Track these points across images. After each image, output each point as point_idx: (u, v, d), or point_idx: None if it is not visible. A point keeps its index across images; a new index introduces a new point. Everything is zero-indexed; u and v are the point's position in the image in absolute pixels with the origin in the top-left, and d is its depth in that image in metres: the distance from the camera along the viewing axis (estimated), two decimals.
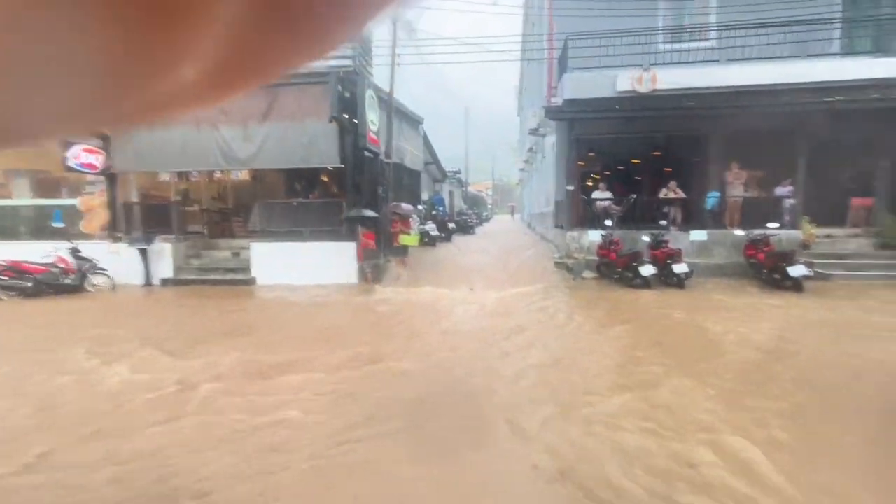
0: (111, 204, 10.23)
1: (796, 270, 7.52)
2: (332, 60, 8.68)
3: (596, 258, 9.22)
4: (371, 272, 9.06)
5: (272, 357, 4.82)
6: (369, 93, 9.71)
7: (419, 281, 9.14)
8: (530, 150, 20.49)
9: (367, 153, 9.76)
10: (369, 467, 2.86)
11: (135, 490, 2.66)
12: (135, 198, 10.60)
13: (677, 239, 9.08)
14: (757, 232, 8.71)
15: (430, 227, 14.44)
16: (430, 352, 5.09)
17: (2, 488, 2.72)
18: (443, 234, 15.44)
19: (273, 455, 2.98)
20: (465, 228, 19.72)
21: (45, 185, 11.49)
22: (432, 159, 20.29)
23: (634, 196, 11.01)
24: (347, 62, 9.00)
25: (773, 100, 9.15)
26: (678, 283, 8.03)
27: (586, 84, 9.88)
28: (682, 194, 10.35)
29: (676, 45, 10.68)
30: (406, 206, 11.52)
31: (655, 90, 9.54)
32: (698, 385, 3.96)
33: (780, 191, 9.68)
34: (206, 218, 11.72)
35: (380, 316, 6.87)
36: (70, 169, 9.62)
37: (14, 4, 0.20)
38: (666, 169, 11.54)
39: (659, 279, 8.22)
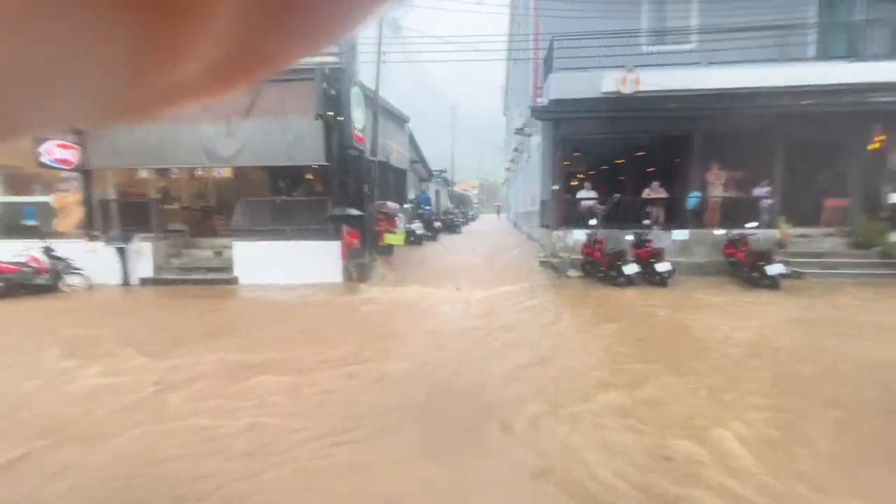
0: (87, 201, 9.93)
1: (774, 269, 7.71)
2: (318, 57, 8.57)
3: (581, 257, 9.31)
4: (356, 271, 8.99)
5: (251, 358, 4.73)
6: (355, 90, 9.62)
7: (405, 280, 9.10)
8: (516, 149, 20.60)
9: (352, 151, 9.67)
10: (352, 469, 2.83)
11: (100, 501, 2.58)
12: (112, 195, 10.31)
13: (660, 238, 9.24)
14: (736, 231, 8.92)
15: (417, 226, 14.41)
16: (415, 352, 5.06)
17: None
18: (429, 234, 15.41)
19: (250, 460, 2.91)
20: (452, 228, 19.72)
21: (16, 182, 11.09)
22: (418, 158, 20.23)
23: (618, 196, 11.16)
24: (333, 59, 8.90)
25: (751, 102, 9.37)
26: (661, 281, 8.16)
27: (571, 84, 9.97)
28: (664, 194, 10.52)
29: (659, 48, 10.87)
30: (392, 205, 11.45)
31: (639, 91, 9.67)
32: (682, 381, 4.03)
33: (759, 191, 9.91)
34: (188, 216, 11.48)
35: (364, 315, 6.82)
36: (43, 165, 9.30)
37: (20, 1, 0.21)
38: (649, 169, 11.73)
39: (642, 277, 8.35)
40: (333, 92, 8.92)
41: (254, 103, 8.86)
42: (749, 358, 4.62)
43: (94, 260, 9.12)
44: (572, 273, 9.31)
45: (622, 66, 9.78)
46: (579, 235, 9.69)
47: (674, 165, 11.19)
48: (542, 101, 10.85)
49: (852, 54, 9.86)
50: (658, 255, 8.31)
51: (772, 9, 9.94)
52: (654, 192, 10.53)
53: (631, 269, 8.17)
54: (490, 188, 63.71)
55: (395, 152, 15.51)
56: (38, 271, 8.42)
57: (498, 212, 46.24)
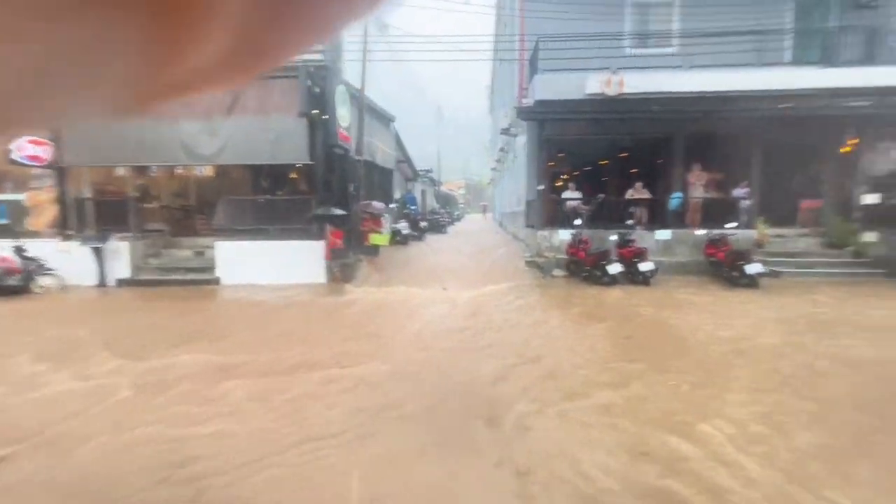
0: (61, 199, 9.61)
1: (753, 268, 7.90)
2: (302, 54, 8.44)
3: (566, 257, 9.40)
4: (340, 271, 8.89)
5: (228, 361, 4.63)
6: (340, 88, 9.53)
7: (391, 280, 9.05)
8: (502, 149, 20.69)
9: (337, 150, 9.57)
10: (331, 474, 2.79)
11: None
12: (87, 193, 10.00)
13: (643, 238, 9.38)
14: (716, 232, 9.11)
15: (403, 226, 14.35)
16: (399, 353, 5.01)
17: None
18: (415, 233, 15.37)
19: (224, 464, 2.84)
20: (438, 227, 19.70)
21: None
22: (404, 158, 20.15)
23: (602, 196, 11.30)
24: (318, 57, 8.79)
25: (730, 105, 9.58)
26: (644, 280, 8.28)
27: (556, 85, 10.04)
28: (647, 195, 10.69)
29: (642, 51, 11.05)
30: (377, 205, 11.38)
31: (622, 93, 9.80)
32: (667, 378, 4.10)
33: (738, 192, 10.15)
34: (167, 215, 11.20)
35: (347, 317, 6.72)
36: (14, 162, 8.97)
37: None
38: (632, 170, 11.91)
39: (626, 277, 8.46)
40: (318, 90, 8.81)
41: (236, 101, 8.70)
42: (731, 355, 4.72)
43: (69, 260, 8.83)
44: (557, 273, 9.39)
45: (606, 69, 9.90)
46: (564, 235, 9.78)
47: (656, 167, 11.38)
48: (528, 101, 10.92)
49: (826, 60, 10.18)
50: (641, 254, 8.44)
51: (750, 14, 10.19)
52: (638, 192, 10.70)
53: (615, 268, 8.27)
54: (476, 188, 63.89)
55: (381, 151, 15.41)
56: (8, 272, 8.11)
57: (484, 212, 46.36)
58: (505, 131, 15.52)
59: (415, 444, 3.09)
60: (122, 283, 9.06)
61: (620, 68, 9.96)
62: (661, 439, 3.08)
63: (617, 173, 12.91)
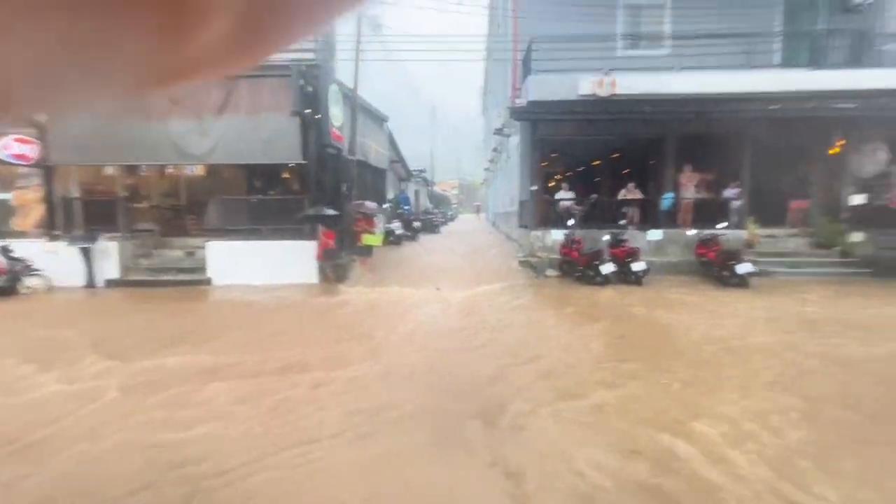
0: (48, 199, 9.46)
1: (743, 268, 7.99)
2: (294, 53, 8.41)
3: (559, 257, 9.43)
4: (332, 272, 8.83)
5: (218, 362, 4.59)
6: (333, 87, 9.48)
7: (384, 280, 9.02)
8: (495, 150, 20.72)
9: (330, 150, 9.52)
10: (330, 474, 2.77)
11: None
12: (75, 192, 9.86)
13: (635, 238, 9.44)
14: (707, 232, 9.20)
15: (396, 226, 14.33)
16: (392, 354, 4.99)
17: None
18: (409, 233, 15.36)
19: (214, 468, 2.79)
20: (431, 228, 19.70)
21: None
22: (397, 158, 20.12)
23: (595, 196, 11.37)
24: (310, 55, 8.74)
25: (721, 107, 9.69)
26: (636, 280, 8.34)
27: (549, 86, 10.08)
28: (639, 195, 10.77)
29: (634, 52, 11.12)
30: (370, 205, 11.34)
31: (615, 94, 9.86)
32: (661, 377, 4.13)
33: (728, 193, 10.25)
34: (157, 215, 11.07)
35: (340, 317, 6.67)
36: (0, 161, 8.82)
37: None
38: (624, 171, 12.00)
39: (618, 277, 8.51)
40: (311, 89, 8.76)
41: (227, 100, 8.62)
42: (723, 354, 4.76)
43: (56, 261, 8.69)
44: (550, 272, 9.42)
45: (599, 70, 9.95)
46: (557, 235, 9.81)
47: (648, 167, 11.47)
48: (521, 102, 10.94)
49: (814, 63, 10.33)
50: (634, 254, 8.50)
51: (740, 17, 10.31)
52: (630, 193, 10.77)
53: (608, 268, 8.32)
54: (469, 188, 63.91)
55: (374, 151, 15.37)
56: None
57: (477, 212, 46.42)
58: (498, 131, 15.54)
59: (409, 446, 3.08)
60: (111, 283, 8.94)
61: (613, 69, 10.02)
62: (653, 437, 3.10)
63: (609, 174, 13.00)
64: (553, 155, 12.49)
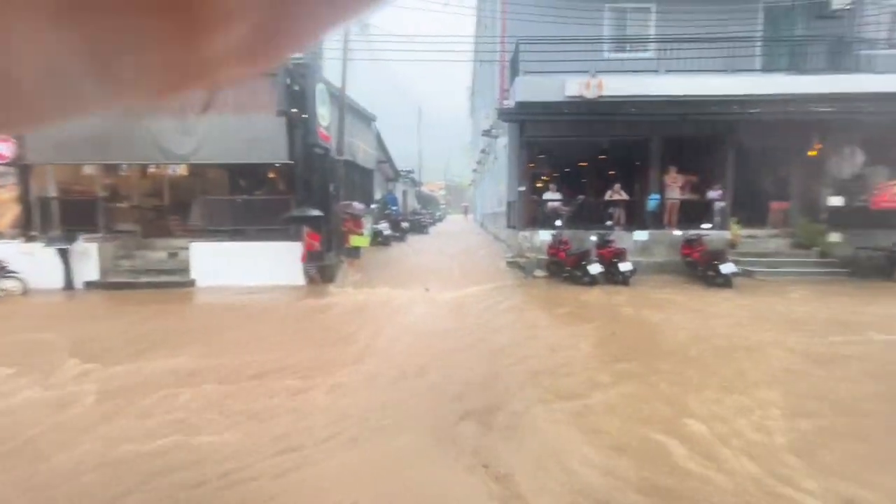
0: (24, 198, 9.17)
1: (727, 268, 8.13)
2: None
3: (547, 257, 9.48)
4: (317, 274, 8.71)
5: (198, 366, 4.48)
6: (320, 87, 9.38)
7: (373, 281, 8.95)
8: (483, 150, 20.78)
9: (317, 150, 9.42)
10: (308, 482, 2.73)
11: None
12: (53, 192, 9.57)
13: (621, 238, 9.55)
14: (692, 232, 9.36)
15: (384, 227, 14.26)
16: (378, 356, 4.92)
17: None
18: (397, 234, 15.30)
19: (196, 476, 2.72)
20: (420, 228, 19.66)
21: None
22: (385, 158, 20.03)
23: (582, 197, 11.48)
24: (297, 54, 8.62)
25: (704, 109, 9.87)
26: (623, 280, 8.43)
27: (537, 88, 10.14)
28: (625, 196, 10.91)
29: (620, 55, 11.26)
30: (358, 206, 11.25)
31: (601, 96, 9.96)
32: (653, 375, 4.17)
33: (712, 194, 10.44)
34: (139, 215, 10.81)
35: (325, 319, 6.57)
36: None
37: None
38: (610, 172, 12.14)
39: (605, 277, 8.59)
40: (297, 88, 8.65)
41: (212, 98, 8.43)
42: (710, 352, 4.84)
43: (32, 262, 8.42)
44: (539, 273, 9.47)
45: (586, 72, 10.05)
46: (545, 236, 9.87)
47: (634, 169, 11.61)
48: (509, 103, 10.99)
49: (794, 67, 10.59)
50: (620, 255, 8.59)
51: (722, 22, 10.51)
52: (616, 194, 10.90)
53: (595, 268, 8.39)
54: (456, 189, 63.98)
55: (362, 151, 15.27)
56: None
57: (465, 212, 46.50)
58: (486, 132, 15.59)
59: (399, 449, 3.05)
60: (90, 285, 8.69)
61: (599, 71, 10.13)
62: (646, 435, 3.14)
63: (596, 175, 13.13)
64: (541, 156, 12.56)
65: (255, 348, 5.07)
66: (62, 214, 9.32)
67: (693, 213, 10.23)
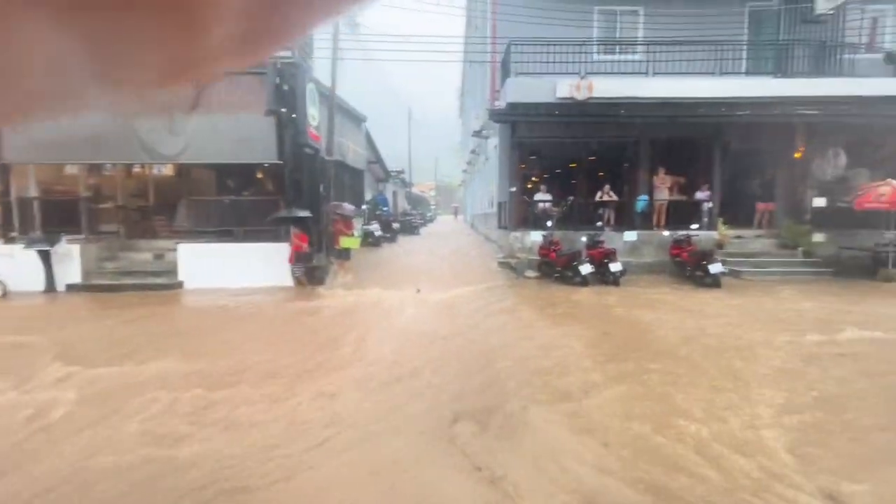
0: (3, 199, 8.92)
1: (716, 268, 8.23)
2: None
3: (538, 258, 9.51)
4: (304, 276, 8.60)
5: (182, 370, 4.38)
6: (310, 86, 9.28)
7: (363, 282, 8.88)
8: (473, 151, 20.79)
9: (307, 150, 9.32)
10: (301, 486, 2.68)
11: None
12: (34, 192, 9.32)
13: (611, 239, 9.62)
14: (681, 233, 9.46)
15: (375, 228, 14.18)
16: (367, 359, 4.85)
17: None
18: (387, 235, 15.22)
19: (176, 486, 2.63)
20: (410, 229, 19.61)
21: None
22: (375, 158, 19.94)
23: (572, 198, 11.54)
24: (286, 53, 8.52)
25: (692, 111, 9.99)
26: (614, 280, 8.48)
27: (528, 89, 10.17)
28: (615, 197, 10.99)
29: (610, 57, 11.34)
30: (348, 206, 11.15)
31: (591, 97, 10.03)
32: (648, 374, 4.19)
33: (700, 195, 10.57)
34: (123, 216, 10.58)
35: (314, 322, 6.46)
36: None
37: None
38: (600, 173, 12.22)
39: (596, 277, 8.63)
40: (287, 87, 8.54)
41: (198, 98, 8.30)
42: (702, 351, 4.88)
43: (12, 264, 8.19)
44: (530, 273, 9.49)
45: (576, 73, 10.10)
46: (536, 237, 9.90)
47: (623, 170, 11.71)
48: (500, 104, 11.00)
49: (779, 71, 10.77)
50: (611, 255, 8.64)
51: (709, 26, 10.65)
52: (606, 195, 10.98)
53: (586, 269, 8.43)
54: (447, 189, 63.98)
55: (352, 151, 15.17)
56: None
57: (455, 213, 46.51)
58: (477, 133, 15.58)
59: (392, 451, 3.01)
60: (72, 288, 8.48)
61: (589, 73, 10.20)
62: (641, 433, 3.14)
63: (586, 176, 13.20)
64: (531, 157, 12.60)
65: (242, 352, 4.97)
66: (43, 215, 9.09)
67: (681, 213, 10.35)
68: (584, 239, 9.32)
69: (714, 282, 8.27)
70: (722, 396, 3.77)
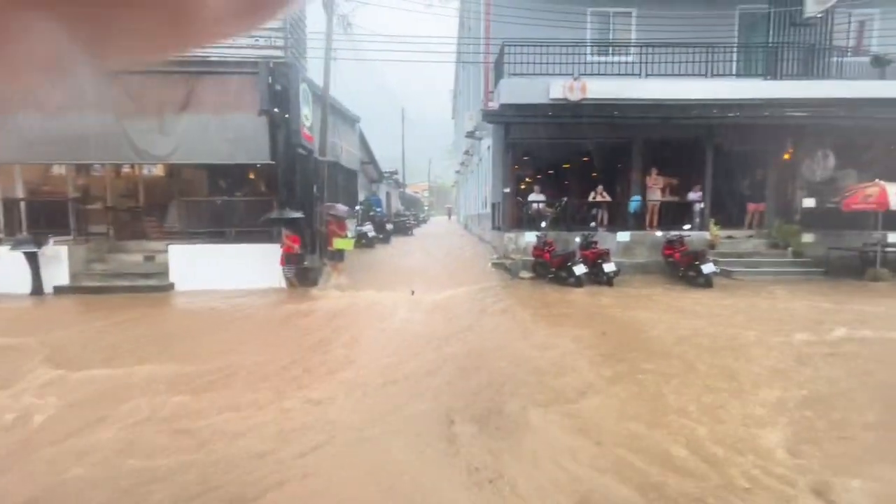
0: None
1: (708, 268, 8.30)
2: (263, 50, 8.13)
3: (532, 258, 9.52)
4: (296, 277, 8.53)
5: (170, 373, 4.31)
6: (303, 86, 9.21)
7: (357, 284, 8.83)
8: (466, 152, 20.80)
9: (300, 150, 9.24)
10: (298, 488, 2.65)
11: None
12: (20, 193, 9.17)
13: (605, 240, 9.66)
14: (673, 233, 9.52)
15: (368, 229, 14.12)
16: (361, 362, 4.82)
17: None
18: (381, 236, 15.16)
19: (165, 493, 2.58)
20: (404, 230, 19.56)
21: None
22: (369, 159, 19.87)
23: (566, 199, 11.58)
24: (279, 52, 8.46)
25: (684, 113, 10.08)
26: (608, 280, 8.51)
27: (521, 90, 10.19)
28: (608, 198, 11.05)
29: (603, 58, 11.41)
30: (341, 207, 11.09)
31: (584, 99, 10.08)
32: (644, 374, 4.20)
33: (692, 196, 10.66)
34: (113, 217, 10.44)
35: (306, 324, 6.38)
36: None
37: None
38: (594, 174, 12.28)
39: (590, 277, 8.66)
40: (279, 87, 8.47)
41: (189, 98, 8.22)
42: (696, 351, 4.91)
43: None
44: (524, 274, 9.50)
45: (569, 75, 10.15)
46: (530, 237, 9.92)
47: (616, 171, 11.78)
48: (493, 105, 11.02)
49: (769, 73, 10.90)
50: (604, 256, 8.67)
51: (701, 28, 10.76)
52: (599, 195, 11.03)
53: (580, 269, 8.46)
54: (440, 190, 64.04)
55: (346, 152, 15.11)
56: None
57: (449, 214, 46.46)
58: (470, 134, 15.57)
59: (388, 454, 2.98)
60: (60, 290, 8.33)
61: (583, 74, 10.25)
62: (638, 433, 3.15)
63: (579, 177, 13.28)
64: (525, 158, 12.64)
65: (232, 355, 4.91)
66: (30, 216, 8.95)
67: (674, 214, 10.43)
68: (577, 239, 9.36)
69: (706, 282, 8.34)
70: (715, 395, 3.79)
